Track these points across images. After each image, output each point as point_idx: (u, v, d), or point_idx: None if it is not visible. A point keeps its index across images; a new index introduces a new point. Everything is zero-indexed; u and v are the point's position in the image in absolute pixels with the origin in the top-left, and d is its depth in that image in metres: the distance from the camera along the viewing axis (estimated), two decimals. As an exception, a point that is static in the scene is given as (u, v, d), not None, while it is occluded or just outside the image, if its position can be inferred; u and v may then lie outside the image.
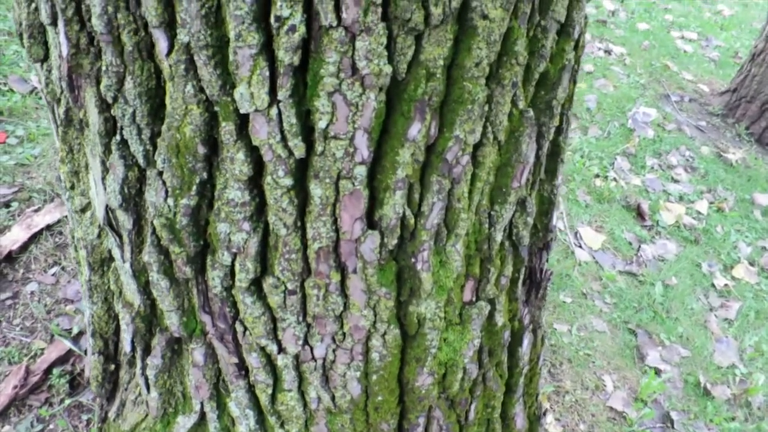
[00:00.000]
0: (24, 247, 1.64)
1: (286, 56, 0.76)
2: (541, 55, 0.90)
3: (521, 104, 0.92)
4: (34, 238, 1.65)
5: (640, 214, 2.60)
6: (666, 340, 2.06)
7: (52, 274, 1.61)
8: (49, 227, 1.68)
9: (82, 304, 1.52)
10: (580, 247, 2.34)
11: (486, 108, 0.88)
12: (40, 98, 0.90)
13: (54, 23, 0.84)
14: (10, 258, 1.61)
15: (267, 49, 0.77)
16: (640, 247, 2.43)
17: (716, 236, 2.56)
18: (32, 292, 1.56)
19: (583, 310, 2.08)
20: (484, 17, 0.80)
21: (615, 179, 2.74)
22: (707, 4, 5.14)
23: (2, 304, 1.52)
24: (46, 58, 0.94)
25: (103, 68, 0.83)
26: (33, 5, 0.88)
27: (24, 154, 1.84)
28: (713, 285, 2.33)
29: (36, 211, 1.71)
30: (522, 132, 0.93)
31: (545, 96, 0.95)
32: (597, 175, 2.73)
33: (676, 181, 2.87)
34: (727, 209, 2.71)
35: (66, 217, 1.71)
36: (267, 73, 0.78)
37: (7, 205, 1.71)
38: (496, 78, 0.87)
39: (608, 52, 3.79)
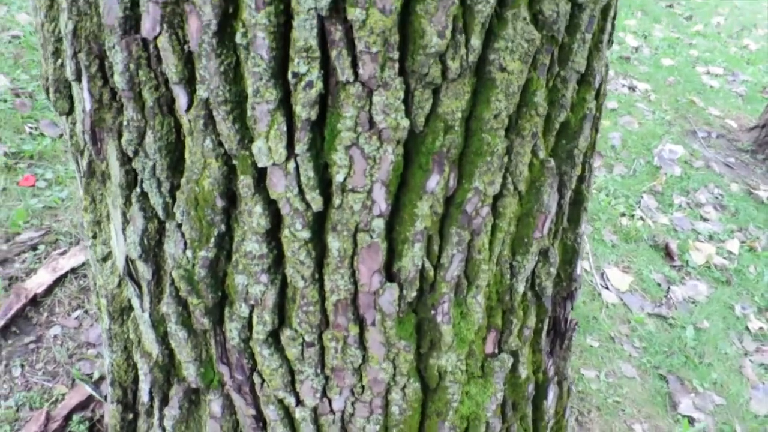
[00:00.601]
0: (49, 290, 1.65)
1: (304, 111, 0.76)
2: (561, 105, 0.89)
3: (542, 154, 0.91)
4: (59, 281, 1.67)
5: (668, 254, 2.54)
6: (699, 386, 1.98)
7: (75, 318, 1.62)
8: (73, 270, 1.70)
9: (103, 349, 1.53)
10: (607, 288, 2.29)
11: (506, 159, 0.86)
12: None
13: (78, 79, 0.86)
14: (35, 301, 1.63)
15: (284, 104, 0.78)
16: (669, 288, 2.36)
17: (749, 277, 2.49)
18: (55, 336, 1.57)
19: (611, 354, 2.02)
20: (503, 69, 0.80)
21: (642, 218, 2.69)
22: (733, 38, 5.11)
23: (26, 348, 1.53)
24: (71, 111, 0.96)
25: (125, 123, 0.84)
26: (59, 61, 0.90)
27: (52, 197, 1.87)
28: (747, 328, 2.25)
29: (62, 254, 1.73)
30: (543, 182, 0.92)
31: (566, 145, 0.93)
32: (623, 214, 2.69)
33: (705, 220, 2.81)
34: (759, 249, 2.63)
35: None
36: (284, 128, 0.78)
37: (34, 247, 1.74)
38: (516, 129, 0.86)
39: (632, 88, 3.76)
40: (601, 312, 2.18)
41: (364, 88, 0.75)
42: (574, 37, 0.85)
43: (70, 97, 0.94)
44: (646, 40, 4.59)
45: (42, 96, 2.19)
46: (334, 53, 0.74)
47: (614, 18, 0.93)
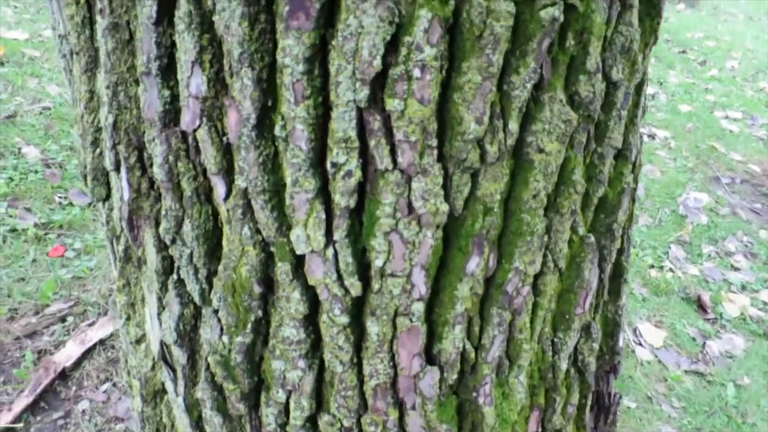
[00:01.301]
0: (77, 363, 1.64)
1: (342, 200, 0.76)
2: (599, 181, 0.88)
3: (581, 230, 0.89)
4: (88, 353, 1.66)
5: (701, 307, 2.48)
6: (744, 448, 1.90)
7: (104, 391, 1.60)
8: (101, 341, 1.70)
9: (131, 424, 1.50)
10: (641, 345, 2.23)
11: (545, 238, 0.85)
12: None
13: (117, 169, 0.87)
14: (64, 375, 1.62)
15: (323, 191, 0.77)
16: (705, 343, 2.30)
17: (786, 328, 2.41)
18: (83, 411, 1.55)
19: (649, 416, 1.95)
20: (541, 151, 0.79)
21: (671, 269, 2.64)
22: (748, 82, 5.12)
23: (54, 425, 1.51)
24: (107, 197, 0.96)
25: (163, 212, 0.85)
26: (98, 151, 0.92)
27: (81, 266, 1.89)
28: (789, 384, 2.17)
29: (90, 325, 1.73)
30: (583, 258, 0.90)
31: (605, 220, 0.92)
32: (652, 266, 2.64)
33: (736, 269, 2.75)
34: (794, 298, 2.56)
35: (118, 330, 1.72)
36: (323, 216, 0.77)
37: (62, 319, 1.74)
38: (555, 207, 0.85)
39: (652, 136, 3.76)
40: (636, 370, 2.12)
41: (403, 176, 0.75)
42: (610, 115, 0.84)
43: (107, 184, 0.95)
44: (662, 87, 4.61)
45: (71, 165, 2.24)
46: (372, 142, 0.74)
47: (645, 89, 0.93)
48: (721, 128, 4.10)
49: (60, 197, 2.10)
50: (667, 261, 2.69)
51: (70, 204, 2.08)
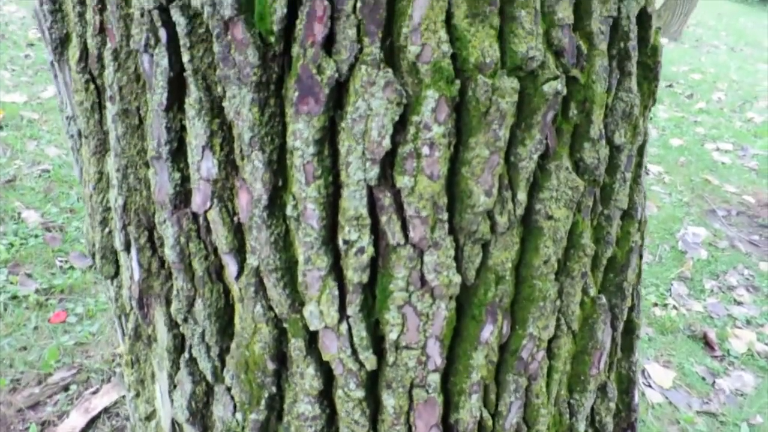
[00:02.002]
0: (82, 433, 1.61)
1: (355, 275, 0.76)
2: (607, 242, 0.89)
3: (592, 291, 0.89)
4: (92, 422, 1.63)
5: (708, 344, 2.47)
6: (763, 491, 1.86)
7: (109, 462, 1.57)
8: (106, 410, 1.67)
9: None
10: (650, 386, 2.21)
11: (558, 302, 0.85)
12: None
13: (127, 250, 0.87)
14: (68, 446, 1.58)
15: (335, 267, 0.78)
16: (714, 381, 2.27)
17: (795, 362, 2.39)
18: (89, 484, 1.51)
19: (665, 461, 1.92)
20: (549, 218, 0.80)
21: (675, 307, 2.63)
22: (736, 113, 5.20)
23: (59, 500, 1.47)
24: (116, 274, 0.96)
25: (174, 291, 0.84)
26: (106, 230, 0.92)
27: (83, 332, 1.87)
28: (803, 420, 2.14)
29: (94, 393, 1.70)
30: (596, 319, 0.90)
31: (615, 279, 0.92)
32: (656, 304, 2.63)
33: (739, 304, 2.74)
34: (800, 331, 2.55)
35: (123, 397, 1.70)
36: (336, 292, 0.77)
37: (66, 388, 1.71)
38: (565, 270, 0.85)
39: (646, 172, 3.79)
40: (648, 413, 2.09)
41: (415, 250, 0.75)
42: (615, 177, 0.85)
43: (116, 262, 0.95)
44: (652, 122, 4.68)
45: (72, 228, 2.24)
46: (383, 219, 0.74)
47: (647, 149, 0.94)
48: (713, 160, 4.15)
49: (61, 261, 2.09)
50: (670, 298, 2.69)
51: (71, 267, 2.07)
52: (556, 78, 0.73)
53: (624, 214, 0.91)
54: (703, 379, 2.30)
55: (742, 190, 3.81)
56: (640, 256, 0.98)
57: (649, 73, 0.87)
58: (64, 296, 1.98)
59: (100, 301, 2.00)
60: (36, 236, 2.16)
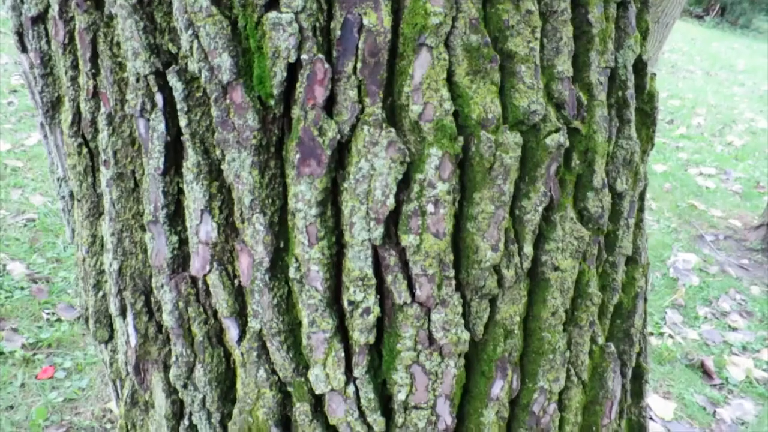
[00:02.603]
0: (72, 496, 1.55)
1: (362, 337, 0.74)
2: (613, 289, 0.87)
3: (600, 340, 0.88)
4: (83, 484, 1.57)
5: (706, 373, 2.45)
6: None
7: None
8: (97, 470, 1.61)
9: None
10: (652, 419, 2.18)
11: (567, 353, 0.83)
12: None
13: (123, 315, 0.84)
14: None
15: (340, 329, 0.75)
16: (715, 411, 2.25)
17: (793, 388, 2.39)
18: None
19: (672, 497, 1.88)
20: (556, 269, 0.79)
21: (670, 335, 2.62)
22: (716, 137, 5.28)
23: None
24: (110, 338, 0.93)
25: (173, 357, 0.81)
26: (100, 293, 0.89)
27: (72, 387, 1.81)
28: (806, 448, 2.12)
29: (84, 452, 1.64)
30: (605, 368, 0.88)
31: (622, 325, 0.91)
32: (651, 334, 2.62)
33: (734, 329, 2.74)
34: (796, 355, 2.55)
35: (115, 455, 1.64)
36: (342, 354, 0.75)
37: (55, 448, 1.65)
38: (573, 321, 0.84)
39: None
40: (651, 448, 2.06)
41: (422, 308, 0.74)
42: (618, 224, 0.85)
43: (110, 326, 0.92)
44: (635, 148, 4.73)
45: (58, 278, 2.19)
46: (389, 278, 0.73)
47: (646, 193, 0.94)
48: (697, 185, 4.19)
49: (48, 313, 2.04)
50: (665, 327, 2.68)
51: (59, 320, 2.02)
52: (558, 130, 0.72)
53: (628, 260, 0.90)
54: (704, 408, 2.28)
55: (727, 213, 3.85)
56: (645, 300, 0.97)
57: (647, 118, 0.87)
58: (51, 350, 1.93)
59: (89, 354, 1.94)
60: (22, 288, 2.11)
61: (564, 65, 0.71)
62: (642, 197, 0.89)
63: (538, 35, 0.68)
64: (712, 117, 5.85)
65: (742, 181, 4.36)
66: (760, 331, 2.74)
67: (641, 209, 0.90)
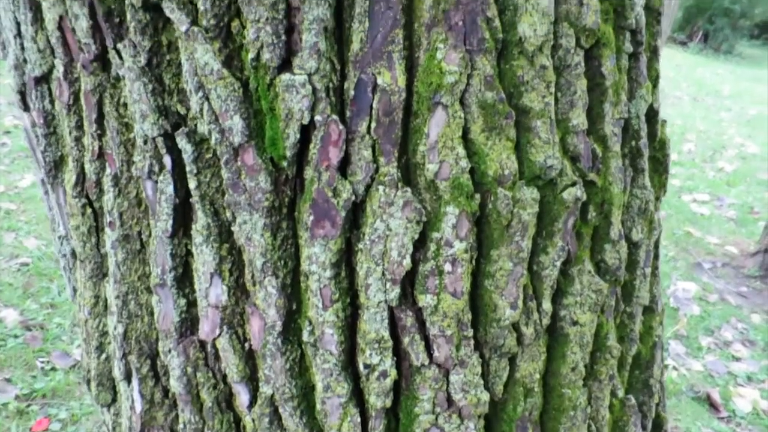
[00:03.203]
0: None
1: (378, 401, 0.71)
2: (631, 339, 0.85)
3: (620, 393, 0.86)
4: None
5: (712, 405, 2.42)
6: None
7: None
8: None
9: None
10: (661, 456, 2.14)
11: (588, 409, 0.81)
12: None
13: (128, 379, 0.81)
14: None
15: (355, 392, 0.73)
16: (724, 445, 2.22)
17: (801, 419, 2.35)
18: None
19: None
20: (575, 323, 0.77)
21: (675, 368, 2.59)
22: (707, 163, 5.32)
23: None
24: (113, 401, 0.90)
25: (180, 424, 0.78)
26: (103, 356, 0.86)
27: (67, 440, 1.76)
28: (819, 482, 2.08)
29: None
30: (626, 422, 0.86)
31: (641, 376, 0.89)
32: (655, 366, 2.59)
33: (737, 359, 2.72)
34: (801, 384, 2.52)
35: None
36: (358, 419, 0.72)
37: (49, 505, 1.59)
38: (593, 375, 0.81)
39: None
40: (662, 486, 2.01)
41: (440, 370, 0.71)
42: (635, 274, 0.83)
43: (113, 389, 0.89)
44: (628, 176, 4.75)
45: (53, 325, 2.14)
46: (406, 340, 0.70)
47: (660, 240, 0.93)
48: (692, 212, 4.20)
49: (42, 362, 1.98)
50: (669, 359, 2.65)
51: (53, 369, 1.97)
52: (574, 184, 0.71)
53: (645, 309, 0.88)
54: (713, 443, 2.24)
55: (724, 240, 3.85)
56: (662, 348, 0.95)
57: (659, 166, 0.86)
58: (46, 401, 1.87)
59: (85, 403, 1.89)
60: (15, 336, 2.06)
61: (579, 118, 0.70)
62: (657, 245, 0.88)
63: (552, 90, 0.67)
64: (702, 143, 5.90)
65: (736, 207, 4.37)
66: (763, 360, 2.72)
67: (656, 257, 0.89)
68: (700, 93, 8.88)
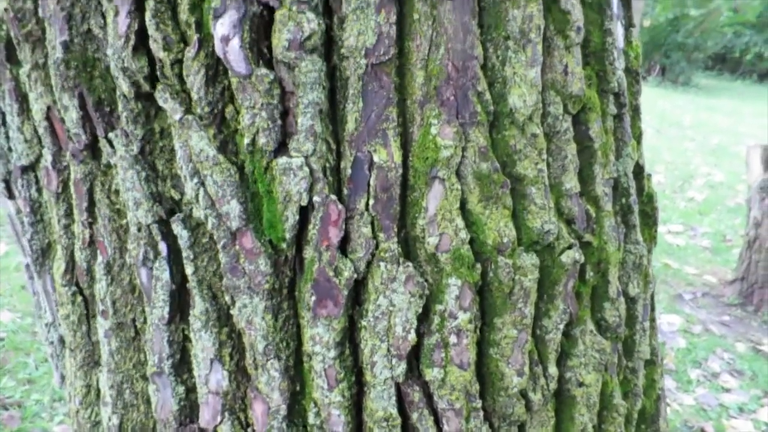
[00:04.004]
0: None
1: (390, 480, 0.69)
2: (635, 394, 0.85)
3: (629, 450, 0.85)
4: None
5: (707, 440, 2.41)
6: None
7: None
8: None
9: None
10: (663, 497, 2.11)
11: (600, 471, 0.80)
12: None
13: (123, 472, 0.78)
14: None
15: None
16: (723, 481, 2.20)
17: (796, 448, 2.36)
18: None
19: None
20: (581, 384, 0.76)
21: (668, 403, 2.58)
22: (677, 193, 5.45)
23: None
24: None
25: None
26: (96, 447, 0.83)
27: None
28: None
29: None
30: (638, 480, 0.85)
31: (647, 430, 0.88)
32: (648, 403, 2.58)
33: (727, 391, 2.72)
34: (792, 412, 2.54)
35: None
36: (369, 501, 0.70)
37: None
38: (601, 435, 0.80)
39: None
40: None
41: (451, 444, 0.70)
42: (634, 329, 0.83)
43: (108, 480, 0.85)
44: (603, 211, 4.83)
45: (31, 401, 2.06)
46: (414, 416, 0.69)
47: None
48: (667, 244, 4.27)
49: (21, 444, 1.90)
50: (660, 395, 2.64)
51: (33, 450, 1.88)
52: (571, 247, 0.72)
53: (647, 362, 0.88)
54: (712, 480, 2.22)
55: (701, 270, 3.91)
56: (665, 400, 0.95)
57: (648, 219, 0.87)
58: (25, 486, 1.79)
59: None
60: (-9, 417, 1.97)
61: (571, 182, 0.71)
62: (652, 297, 0.89)
63: (544, 156, 0.68)
64: (671, 174, 6.05)
65: (710, 236, 4.46)
66: (752, 389, 2.73)
67: (653, 308, 0.89)
68: (662, 125, 9.14)
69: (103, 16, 0.63)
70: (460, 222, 0.66)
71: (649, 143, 7.58)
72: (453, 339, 0.67)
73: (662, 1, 12.26)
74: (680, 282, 3.71)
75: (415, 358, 0.69)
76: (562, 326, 0.73)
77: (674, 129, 8.93)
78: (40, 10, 0.64)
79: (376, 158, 0.63)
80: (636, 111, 0.83)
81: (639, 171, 0.84)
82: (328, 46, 0.62)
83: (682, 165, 6.43)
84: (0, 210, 3.17)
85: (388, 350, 0.66)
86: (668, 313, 3.29)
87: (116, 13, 0.60)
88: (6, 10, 0.65)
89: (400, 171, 0.64)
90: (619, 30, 0.76)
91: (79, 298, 0.76)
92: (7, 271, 2.80)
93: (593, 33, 0.73)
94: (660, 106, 10.72)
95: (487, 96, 0.64)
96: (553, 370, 0.73)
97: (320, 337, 0.66)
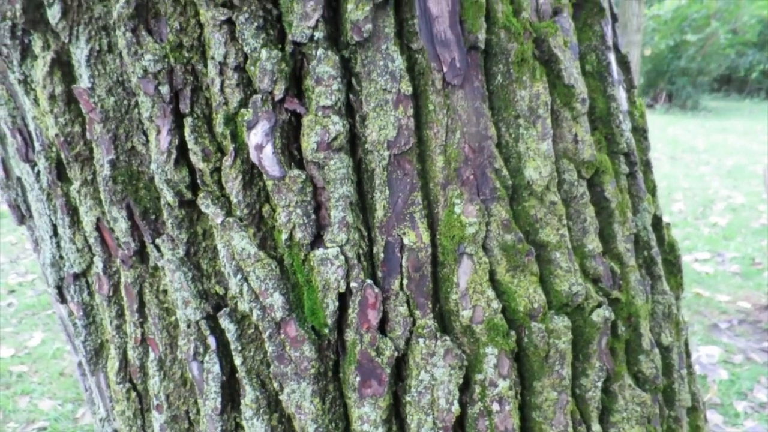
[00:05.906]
0: None
1: None
2: (681, 444, 0.85)
3: (682, 501, 0.84)
4: None
5: (764, 475, 2.33)
6: None
7: None
8: None
9: None
10: None
11: None
12: None
13: None
14: None
15: None
16: None
17: None
18: None
19: None
20: (625, 440, 0.77)
21: (717, 439, 2.52)
22: (700, 220, 5.40)
23: None
24: None
25: None
26: None
27: None
28: None
29: None
30: None
31: (699, 479, 0.88)
32: (697, 441, 2.51)
33: (777, 421, 2.64)
34: None
35: None
36: None
37: None
38: (652, 488, 0.80)
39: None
40: None
41: None
42: (672, 377, 0.84)
43: None
44: (626, 244, 4.80)
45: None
46: (466, 485, 0.70)
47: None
48: (696, 272, 4.22)
49: None
50: (708, 431, 2.57)
51: None
52: (600, 305, 0.74)
53: (689, 410, 0.88)
54: None
55: (734, 296, 3.85)
56: (711, 443, 0.94)
57: (672, 267, 0.89)
58: None
59: None
60: None
61: (593, 243, 0.74)
62: (686, 343, 0.90)
63: (564, 222, 0.72)
64: (690, 200, 6.01)
65: (738, 261, 4.40)
66: (803, 417, 2.65)
67: (689, 355, 0.90)
68: (676, 151, 9.14)
69: (145, 134, 0.69)
70: (491, 293, 0.69)
71: (664, 171, 7.57)
72: (495, 407, 0.69)
73: (660, 30, 12.45)
74: (714, 311, 3.65)
75: (460, 427, 0.71)
76: (600, 383, 0.75)
77: (688, 154, 8.92)
78: (87, 133, 0.70)
79: (406, 241, 0.67)
80: (647, 165, 0.86)
81: (657, 222, 0.87)
82: (353, 142, 0.67)
83: (700, 190, 6.40)
84: (41, 300, 3.24)
85: (434, 423, 0.69)
86: (706, 345, 3.23)
87: (158, 132, 0.65)
88: (57, 135, 0.71)
89: (430, 250, 0.68)
90: (621, 94, 0.80)
91: (134, 394, 0.80)
92: (44, 360, 2.85)
93: (597, 99, 0.77)
94: (671, 133, 10.74)
95: (505, 172, 0.68)
96: (596, 428, 0.75)
97: (367, 416, 0.68)
